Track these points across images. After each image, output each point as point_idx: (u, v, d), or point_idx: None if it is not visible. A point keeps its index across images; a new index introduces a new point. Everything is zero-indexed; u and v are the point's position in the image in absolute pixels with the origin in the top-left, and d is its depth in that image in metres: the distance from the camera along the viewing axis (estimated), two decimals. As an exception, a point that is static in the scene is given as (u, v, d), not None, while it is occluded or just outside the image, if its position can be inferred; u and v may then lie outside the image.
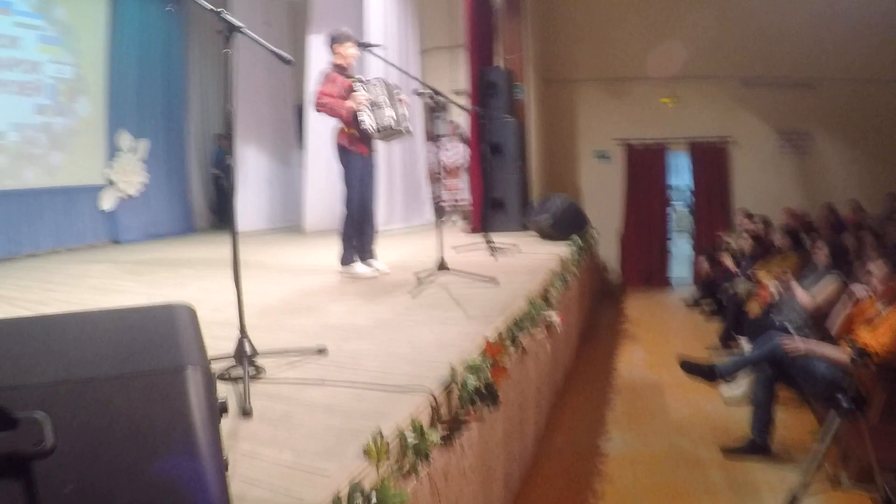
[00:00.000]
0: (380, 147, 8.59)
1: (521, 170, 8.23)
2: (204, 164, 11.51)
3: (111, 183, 9.70)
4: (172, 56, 10.63)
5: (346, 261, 5.46)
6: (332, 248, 5.64)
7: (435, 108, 11.09)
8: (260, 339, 2.99)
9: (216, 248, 8.35)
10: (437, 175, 10.19)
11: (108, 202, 9.67)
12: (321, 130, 8.14)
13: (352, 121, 5.08)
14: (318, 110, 5.10)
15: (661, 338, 7.54)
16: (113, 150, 9.70)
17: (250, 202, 10.32)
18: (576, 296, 6.01)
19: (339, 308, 4.25)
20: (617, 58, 10.80)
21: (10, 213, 8.51)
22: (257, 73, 10.19)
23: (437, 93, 5.30)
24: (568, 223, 7.03)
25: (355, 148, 5.20)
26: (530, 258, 5.90)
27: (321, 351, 3.17)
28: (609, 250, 10.96)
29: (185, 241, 9.73)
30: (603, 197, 11.06)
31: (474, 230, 8.17)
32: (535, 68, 9.25)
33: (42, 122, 8.87)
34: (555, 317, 4.23)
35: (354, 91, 5.04)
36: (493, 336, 3.33)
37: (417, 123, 9.69)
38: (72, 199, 9.25)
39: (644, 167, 11.08)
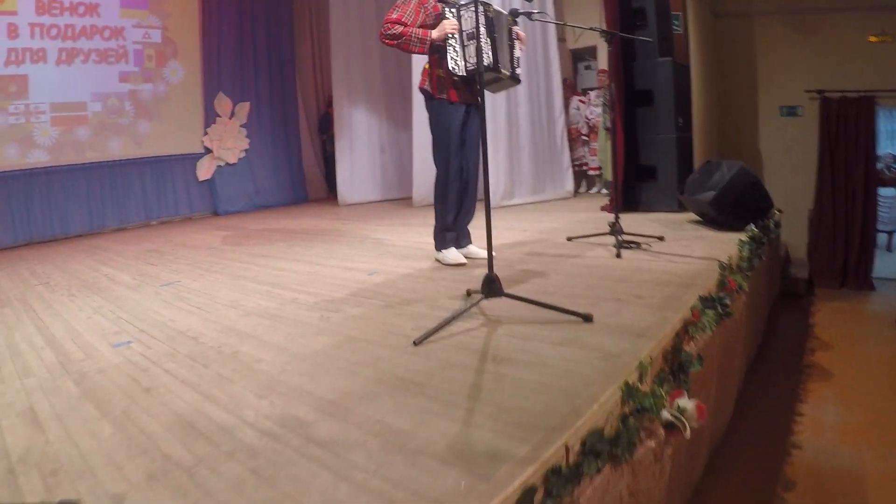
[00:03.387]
0: (497, 99, 6.56)
1: (681, 127, 5.61)
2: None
3: (208, 150, 8.30)
4: (277, 8, 8.95)
5: (438, 242, 3.85)
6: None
7: (582, 55, 8.99)
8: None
9: (312, 220, 7.03)
10: (582, 136, 7.88)
11: (204, 171, 8.28)
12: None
13: (435, 57, 3.58)
14: (385, 42, 3.55)
15: (864, 379, 4.60)
16: (210, 116, 8.27)
17: (360, 171, 8.45)
18: (742, 321, 3.44)
19: (274, 363, 2.19)
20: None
21: (93, 187, 7.36)
22: (370, 27, 8.17)
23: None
24: (740, 204, 4.39)
25: (444, 94, 3.61)
26: (674, 263, 3.40)
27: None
28: (795, 235, 7.80)
29: (289, 212, 8.13)
30: (790, 165, 7.86)
31: (615, 207, 5.74)
32: (698, -6, 6.49)
33: (127, 89, 7.56)
34: (689, 407, 1.86)
35: (444, 18, 3.43)
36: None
37: (554, 72, 7.35)
38: (163, 169, 7.95)
39: (845, 127, 7.70)
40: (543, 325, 2.30)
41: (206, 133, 8.22)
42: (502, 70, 3.44)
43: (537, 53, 7.07)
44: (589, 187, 7.99)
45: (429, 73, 3.63)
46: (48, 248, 6.56)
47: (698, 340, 2.39)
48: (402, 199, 8.32)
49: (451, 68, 3.40)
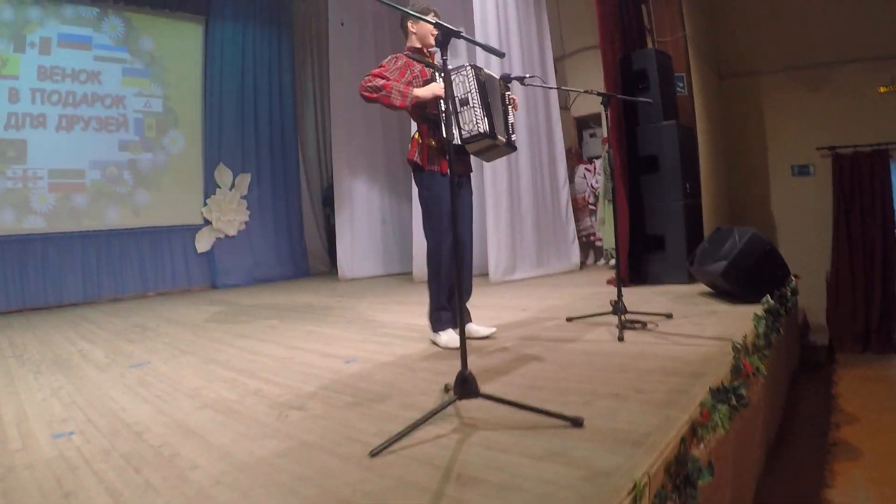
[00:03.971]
0: (497, 169, 6.32)
1: (689, 193, 5.33)
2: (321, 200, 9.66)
3: (207, 222, 8.11)
4: (280, 81, 8.88)
5: (435, 324, 3.50)
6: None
7: (586, 122, 8.78)
8: None
9: (307, 297, 6.68)
10: (589, 205, 7.61)
11: (203, 243, 8.07)
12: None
13: (421, 119, 3.38)
14: (365, 96, 3.23)
15: None
16: (210, 187, 8.12)
17: (360, 245, 8.18)
18: (760, 406, 2.98)
19: (210, 473, 1.83)
20: (813, 37, 7.31)
21: (89, 255, 7.18)
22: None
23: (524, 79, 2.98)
24: (754, 274, 4.02)
25: (434, 165, 3.36)
26: (682, 345, 2.99)
27: None
28: (813, 300, 7.35)
29: (287, 287, 7.80)
30: (804, 226, 7.52)
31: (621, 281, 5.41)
32: (701, 55, 6.23)
33: (127, 158, 7.45)
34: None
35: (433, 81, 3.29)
36: None
37: (557, 140, 7.12)
38: (161, 240, 7.75)
39: (860, 183, 7.39)
40: (525, 432, 1.93)
41: (205, 204, 8.06)
42: (498, 136, 3.22)
43: (539, 121, 6.88)
44: (597, 259, 7.68)
45: (419, 144, 3.37)
46: (38, 316, 6.35)
47: (709, 441, 2.03)
48: (403, 274, 8.04)
49: (445, 137, 3.15)
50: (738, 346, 2.77)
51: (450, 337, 3.42)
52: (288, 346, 3.82)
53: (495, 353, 3.14)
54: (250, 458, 1.96)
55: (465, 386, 2.06)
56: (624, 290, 5.18)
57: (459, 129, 3.17)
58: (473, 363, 2.97)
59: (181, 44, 7.85)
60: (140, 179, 7.56)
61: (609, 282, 5.59)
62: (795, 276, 5.13)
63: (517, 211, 6.57)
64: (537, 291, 5.53)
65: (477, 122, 3.10)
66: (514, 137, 3.43)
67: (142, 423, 2.43)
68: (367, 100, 3.25)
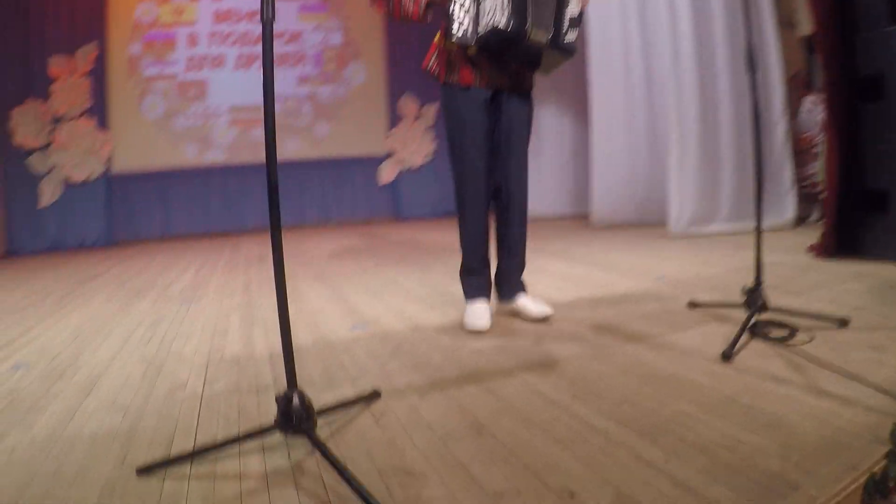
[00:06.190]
0: (685, 94, 5.14)
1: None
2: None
3: (390, 154, 7.90)
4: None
5: (464, 289, 2.63)
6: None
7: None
8: None
9: (454, 235, 5.98)
10: (813, 146, 5.91)
11: (386, 175, 7.90)
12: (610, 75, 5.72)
13: (444, 25, 2.36)
14: (373, 4, 2.43)
15: None
16: (394, 118, 7.87)
17: (545, 180, 7.17)
18: None
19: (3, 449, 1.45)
20: None
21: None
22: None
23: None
24: None
25: (453, 75, 2.43)
26: (819, 394, 1.56)
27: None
28: None
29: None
30: None
31: (825, 249, 3.93)
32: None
33: (306, 91, 7.48)
34: None
35: None
36: None
37: (772, 64, 5.56)
38: (342, 171, 7.75)
39: None
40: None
41: (388, 136, 7.85)
42: (531, 32, 2.20)
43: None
44: (811, 216, 5.90)
45: (437, 48, 2.50)
46: (209, 241, 6.66)
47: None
48: (583, 215, 6.80)
49: (453, 34, 2.24)
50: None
51: (475, 314, 2.50)
52: (337, 297, 3.29)
53: (523, 345, 2.22)
54: (47, 437, 1.58)
55: (286, 418, 1.34)
56: (818, 263, 3.77)
57: (476, 23, 2.24)
58: (462, 359, 2.08)
59: (360, -26, 7.60)
60: (320, 112, 7.56)
61: (812, 248, 4.11)
62: None
63: (712, 148, 5.25)
64: (710, 252, 4.21)
65: (495, 12, 2.16)
66: (569, 38, 2.34)
67: (50, 367, 2.23)
68: (377, 10, 2.45)
